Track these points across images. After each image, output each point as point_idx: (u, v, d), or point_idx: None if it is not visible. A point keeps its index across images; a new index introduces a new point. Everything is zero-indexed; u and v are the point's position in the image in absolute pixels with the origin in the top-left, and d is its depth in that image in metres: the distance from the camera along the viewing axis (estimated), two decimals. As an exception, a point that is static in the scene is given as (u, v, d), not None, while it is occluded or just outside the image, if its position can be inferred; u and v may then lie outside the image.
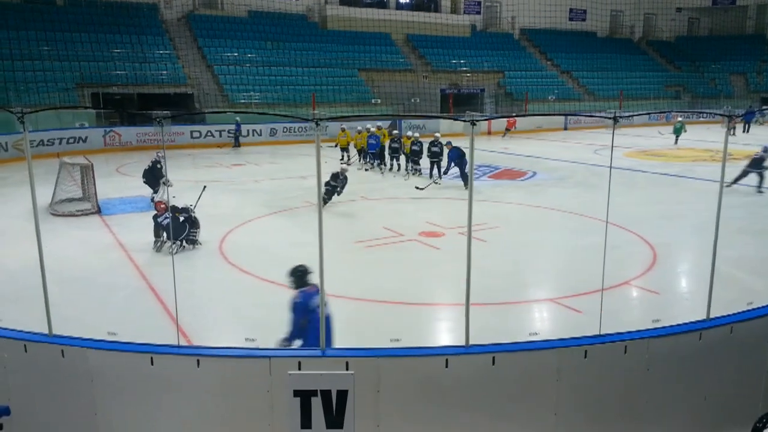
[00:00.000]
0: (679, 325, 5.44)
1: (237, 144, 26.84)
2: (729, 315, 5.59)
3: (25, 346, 5.13)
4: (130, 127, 25.77)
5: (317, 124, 4.76)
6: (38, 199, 5.45)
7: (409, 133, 20.00)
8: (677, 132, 28.00)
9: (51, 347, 5.08)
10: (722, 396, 5.51)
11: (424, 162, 18.55)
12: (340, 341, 5.53)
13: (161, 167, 14.19)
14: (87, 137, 24.58)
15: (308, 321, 5.34)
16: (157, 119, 5.30)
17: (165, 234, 10.38)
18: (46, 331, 5.29)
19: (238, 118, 26.88)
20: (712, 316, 5.56)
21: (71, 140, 23.74)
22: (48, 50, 27.23)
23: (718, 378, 5.44)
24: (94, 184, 13.78)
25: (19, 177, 17.08)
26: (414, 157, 18.91)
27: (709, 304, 5.64)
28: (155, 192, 14.23)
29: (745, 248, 10.45)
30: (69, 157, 16.14)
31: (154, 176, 14.24)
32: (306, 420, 4.44)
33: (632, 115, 7.42)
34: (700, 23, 51.88)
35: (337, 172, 14.31)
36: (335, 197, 14.14)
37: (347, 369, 4.70)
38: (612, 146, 6.11)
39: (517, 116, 37.72)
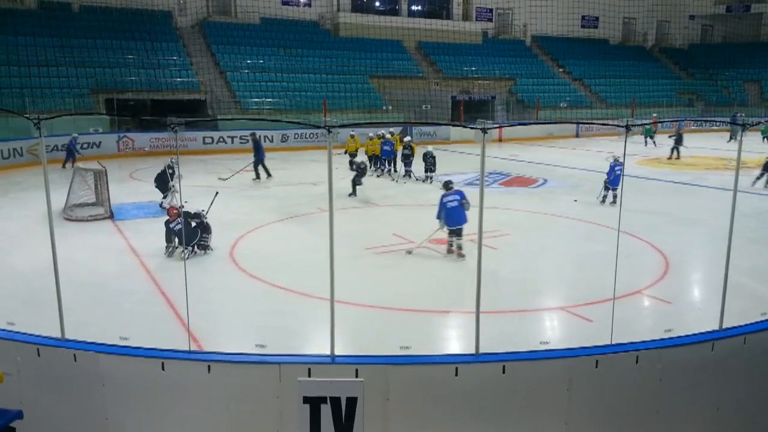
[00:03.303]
0: (691, 335, 5.40)
1: (71, 160, 20.64)
2: (742, 325, 5.54)
3: (38, 350, 5.18)
4: (144, 133, 26.00)
5: (329, 131, 4.79)
6: (52, 204, 5.52)
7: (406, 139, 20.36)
8: (765, 133, 30.02)
9: (63, 351, 5.12)
10: (735, 407, 5.45)
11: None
12: (350, 348, 5.53)
13: (172, 172, 14.33)
14: (101, 142, 24.87)
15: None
16: (172, 126, 5.36)
17: (177, 239, 10.44)
18: (59, 335, 5.34)
19: (75, 134, 21.88)
20: (725, 326, 5.52)
21: (85, 145, 23.94)
22: (63, 56, 27.58)
23: (730, 389, 5.38)
24: (108, 189, 13.91)
25: (34, 181, 17.27)
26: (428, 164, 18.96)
27: (722, 314, 5.59)
28: (164, 197, 14.40)
29: (758, 257, 10.35)
30: (83, 162, 16.29)
31: (164, 181, 14.42)
32: (315, 427, 4.44)
33: (644, 124, 7.41)
34: (714, 30, 51.50)
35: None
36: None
37: (357, 376, 4.70)
38: (624, 154, 6.10)
39: (527, 124, 37.61)
